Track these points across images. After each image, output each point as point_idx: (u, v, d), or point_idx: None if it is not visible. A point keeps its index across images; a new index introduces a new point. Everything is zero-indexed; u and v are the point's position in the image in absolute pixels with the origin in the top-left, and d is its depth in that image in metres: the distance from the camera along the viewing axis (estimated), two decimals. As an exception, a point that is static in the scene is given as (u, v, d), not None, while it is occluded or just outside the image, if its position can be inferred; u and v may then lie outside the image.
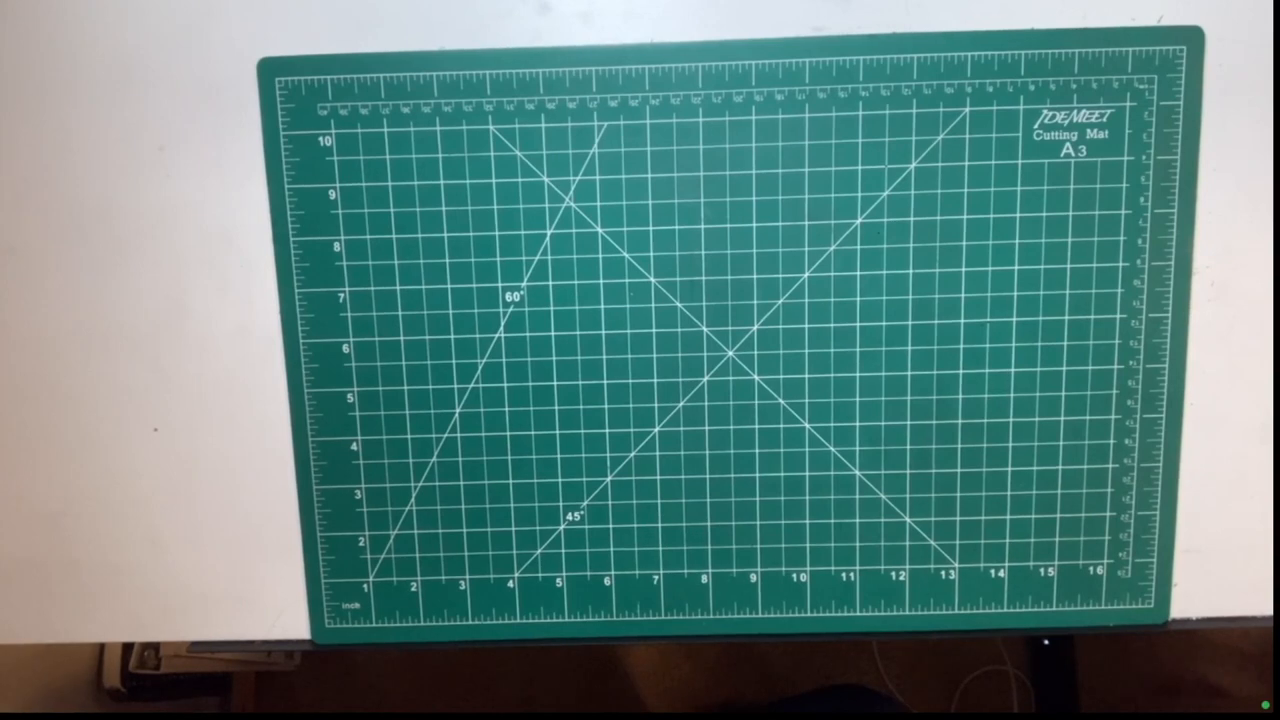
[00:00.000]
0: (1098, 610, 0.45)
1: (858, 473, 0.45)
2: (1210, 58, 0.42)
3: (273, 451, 0.45)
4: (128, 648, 0.91)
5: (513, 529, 0.45)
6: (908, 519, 0.45)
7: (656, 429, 0.45)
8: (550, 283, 0.43)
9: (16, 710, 0.78)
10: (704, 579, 0.46)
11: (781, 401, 0.44)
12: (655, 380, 0.44)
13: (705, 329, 0.44)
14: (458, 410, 0.45)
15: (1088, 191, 0.42)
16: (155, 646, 0.93)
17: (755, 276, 0.43)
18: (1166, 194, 0.42)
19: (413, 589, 0.46)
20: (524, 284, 0.43)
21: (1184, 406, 0.44)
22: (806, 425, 0.44)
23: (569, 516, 0.45)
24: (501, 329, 0.44)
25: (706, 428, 0.44)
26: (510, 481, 0.45)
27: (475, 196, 0.43)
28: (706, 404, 0.44)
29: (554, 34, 0.42)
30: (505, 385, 0.44)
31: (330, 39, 0.42)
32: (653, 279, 0.43)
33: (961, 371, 0.44)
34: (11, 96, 0.43)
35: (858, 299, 0.43)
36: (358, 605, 0.46)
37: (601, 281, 0.43)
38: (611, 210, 0.43)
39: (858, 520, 0.45)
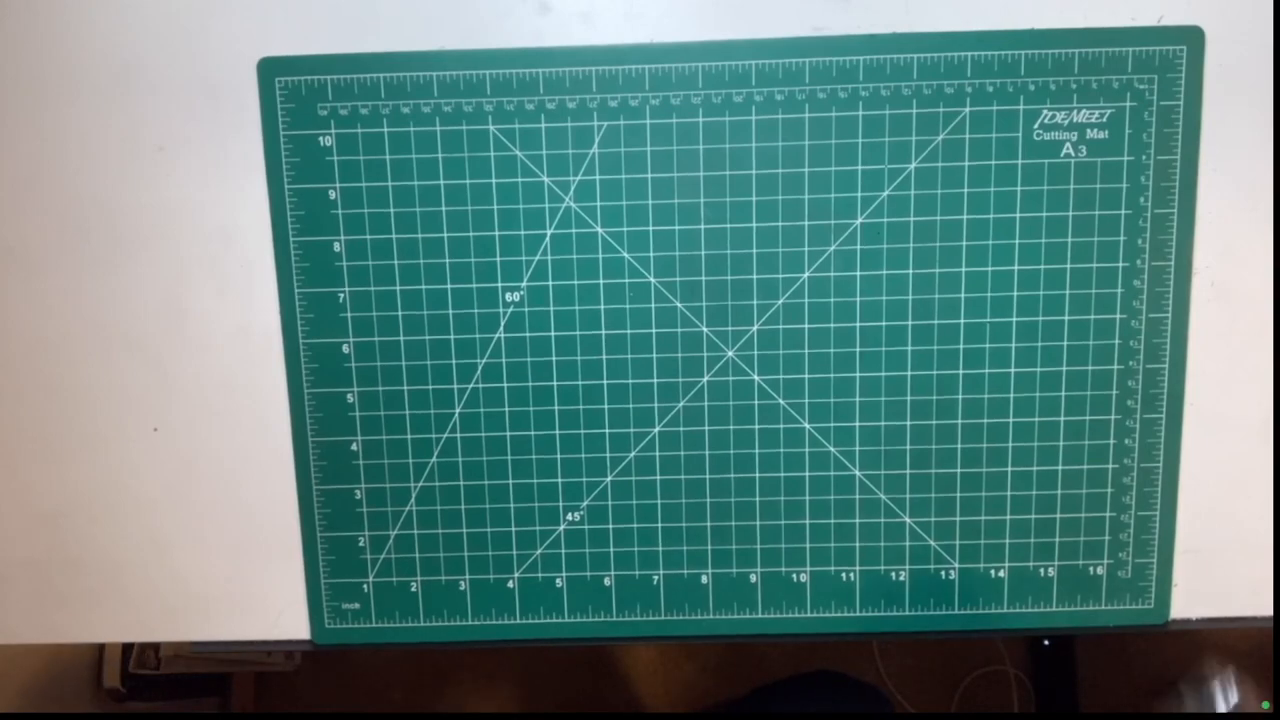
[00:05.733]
0: (1098, 610, 0.45)
1: (858, 473, 0.45)
2: (1210, 58, 0.42)
3: (273, 451, 0.45)
4: (128, 648, 0.91)
5: (512, 529, 0.45)
6: (908, 519, 0.45)
7: (656, 429, 0.45)
8: (550, 283, 0.43)
9: (16, 710, 0.78)
10: (704, 579, 0.46)
11: (781, 401, 0.44)
12: (655, 380, 0.44)
13: (705, 329, 0.44)
14: (458, 410, 0.45)
15: (1088, 191, 0.42)
16: (155, 646, 0.93)
17: (755, 276, 0.43)
18: (1166, 194, 0.42)
19: (413, 589, 0.46)
20: (524, 284, 0.43)
21: (1184, 406, 0.44)
22: (806, 425, 0.44)
23: (569, 517, 0.45)
24: (501, 329, 0.44)
25: (706, 428, 0.44)
26: (510, 482, 0.45)
27: (475, 196, 0.43)
28: (706, 404, 0.44)
29: (554, 34, 0.42)
30: (505, 385, 0.44)
31: (330, 39, 0.42)
32: (653, 279, 0.43)
33: (961, 371, 0.44)
34: (11, 96, 0.43)
35: (857, 299, 0.43)
36: (358, 605, 0.46)
37: (601, 281, 0.43)
38: (611, 210, 0.43)
39: (858, 520, 0.45)
